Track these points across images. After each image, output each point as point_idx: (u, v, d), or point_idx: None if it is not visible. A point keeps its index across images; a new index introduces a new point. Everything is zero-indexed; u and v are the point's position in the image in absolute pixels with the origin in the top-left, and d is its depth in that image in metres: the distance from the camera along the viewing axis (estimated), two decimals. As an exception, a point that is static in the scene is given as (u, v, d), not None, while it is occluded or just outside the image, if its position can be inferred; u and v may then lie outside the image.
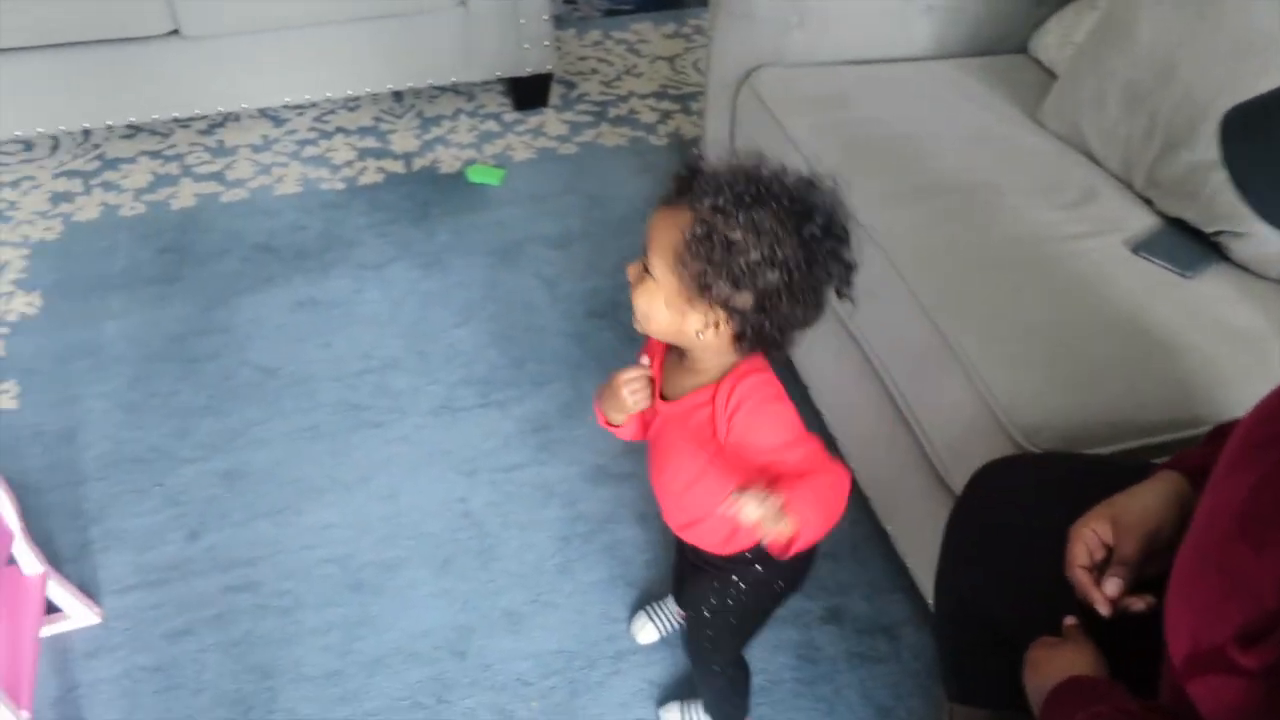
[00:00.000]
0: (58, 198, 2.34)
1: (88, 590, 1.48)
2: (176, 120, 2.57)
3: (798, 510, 0.91)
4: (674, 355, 1.04)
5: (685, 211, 0.91)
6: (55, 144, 2.52)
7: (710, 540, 1.10)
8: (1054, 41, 1.81)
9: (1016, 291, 1.34)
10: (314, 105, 2.65)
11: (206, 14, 2.24)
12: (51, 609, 1.41)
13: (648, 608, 1.48)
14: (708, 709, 1.35)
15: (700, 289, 0.91)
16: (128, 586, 1.51)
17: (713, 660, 1.26)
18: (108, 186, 2.37)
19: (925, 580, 1.41)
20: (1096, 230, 1.44)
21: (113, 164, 2.45)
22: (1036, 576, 0.96)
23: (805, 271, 0.91)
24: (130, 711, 1.36)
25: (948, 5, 1.83)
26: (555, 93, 2.71)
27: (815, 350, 1.65)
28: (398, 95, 2.70)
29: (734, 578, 1.13)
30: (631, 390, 1.04)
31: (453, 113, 2.64)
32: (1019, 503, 1.06)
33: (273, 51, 2.35)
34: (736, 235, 0.89)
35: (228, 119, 2.60)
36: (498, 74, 2.53)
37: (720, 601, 1.15)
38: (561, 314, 2.02)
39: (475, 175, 2.39)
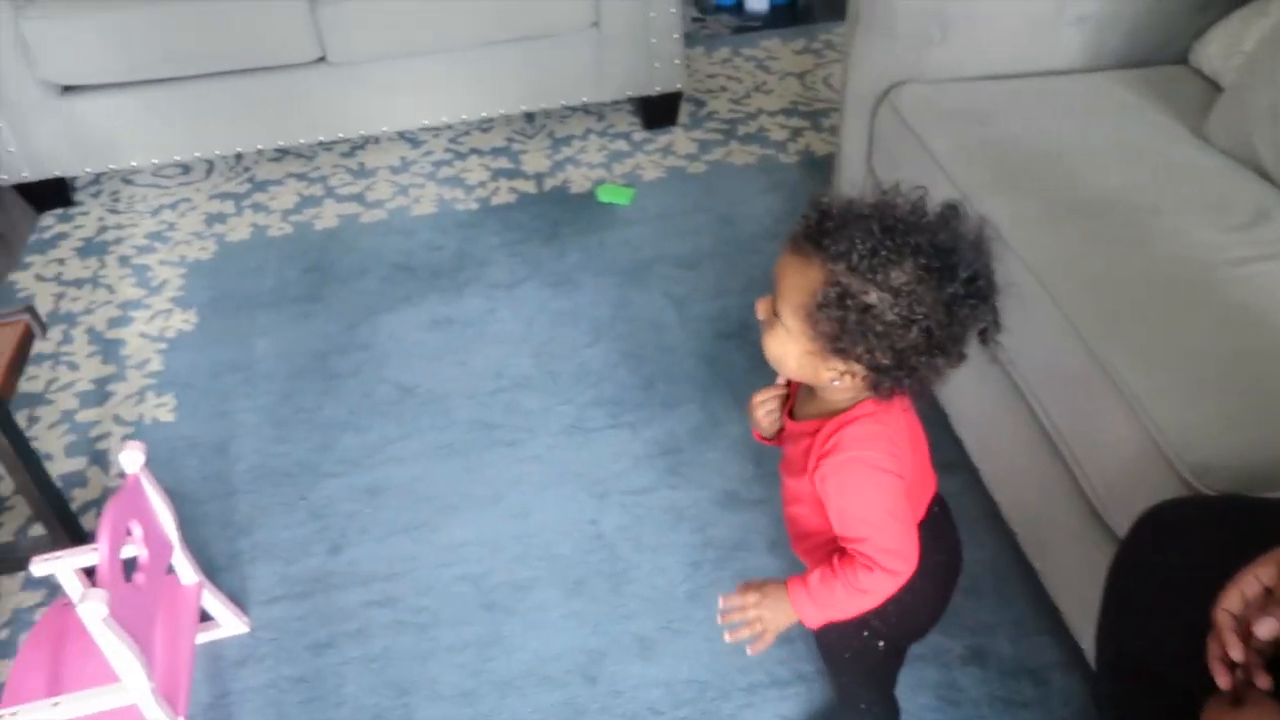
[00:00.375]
0: (212, 219, 2.46)
1: (237, 600, 1.55)
2: (321, 143, 2.67)
3: (807, 601, 0.97)
4: None
5: (816, 267, 0.87)
6: (210, 167, 2.65)
7: (811, 561, 1.07)
8: (1218, 51, 1.70)
9: (1181, 318, 1.25)
10: (449, 127, 2.71)
11: (351, 41, 2.32)
12: (204, 617, 1.47)
13: None
14: None
15: (835, 349, 0.88)
16: (274, 598, 1.56)
17: (859, 699, 1.23)
18: (257, 208, 2.48)
19: (1078, 623, 1.33)
20: (1271, 253, 1.34)
21: (262, 186, 2.56)
22: (1210, 629, 0.89)
23: (946, 326, 0.87)
24: (276, 720, 1.40)
25: (1101, 15, 1.75)
26: (684, 111, 2.71)
27: (956, 374, 1.59)
28: (530, 116, 2.74)
29: None
30: (766, 410, 1.06)
31: (583, 132, 2.67)
32: (1189, 548, 0.99)
33: (412, 76, 2.42)
34: (872, 298, 0.85)
35: (368, 142, 2.69)
36: (628, 93, 2.54)
37: (827, 636, 1.12)
38: (691, 334, 2.01)
39: (605, 194, 2.41)
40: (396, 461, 1.78)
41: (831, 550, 0.99)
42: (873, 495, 0.94)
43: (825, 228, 0.87)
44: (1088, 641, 1.30)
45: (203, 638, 1.49)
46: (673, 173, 2.50)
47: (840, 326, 0.86)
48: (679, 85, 2.56)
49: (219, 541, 1.66)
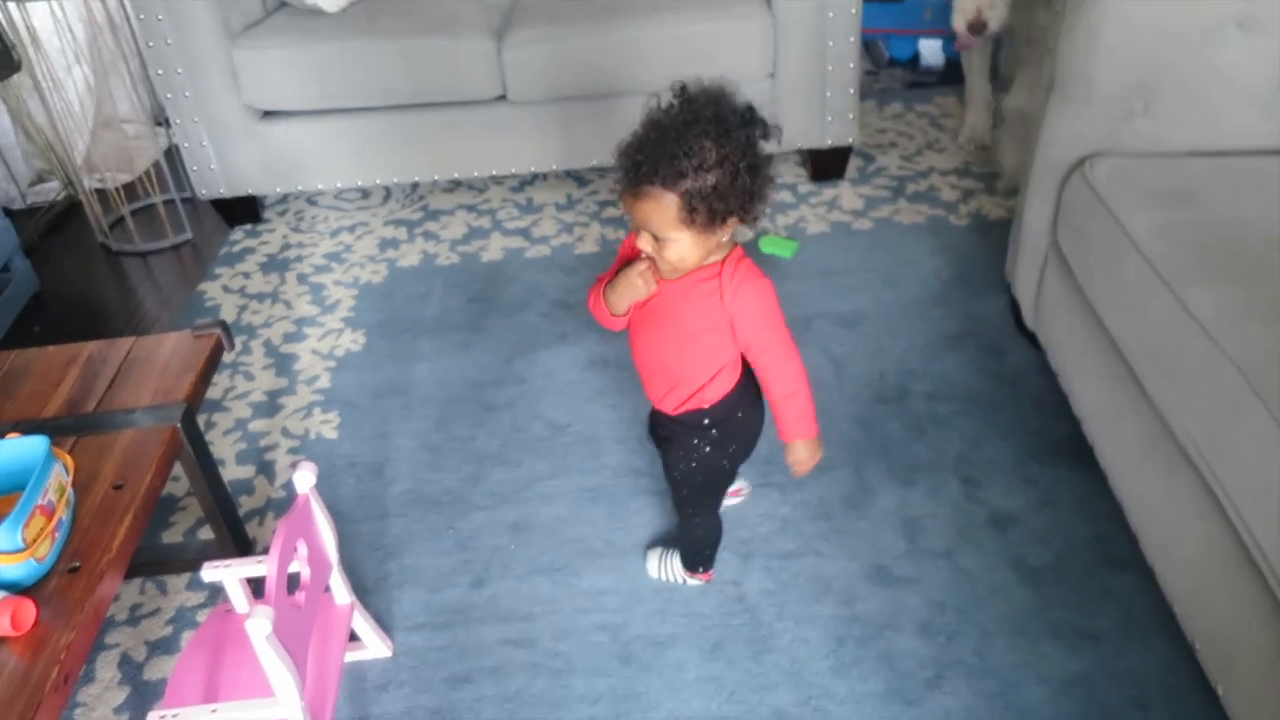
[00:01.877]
0: (385, 244, 2.56)
1: (382, 622, 1.58)
2: (492, 177, 2.75)
3: (801, 424, 1.40)
4: None
5: (663, 194, 1.15)
6: (387, 194, 2.77)
7: (677, 400, 1.38)
8: None
9: None
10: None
11: (531, 82, 2.39)
12: (351, 636, 1.50)
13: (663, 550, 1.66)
14: (684, 559, 1.60)
15: (713, 225, 1.18)
16: (417, 625, 1.59)
17: (694, 515, 1.53)
18: (428, 236, 2.57)
19: (1265, 756, 1.21)
20: None
21: (434, 215, 2.66)
22: None
23: (756, 152, 1.18)
24: (410, 749, 1.42)
25: (1325, 94, 1.62)
26: (852, 165, 2.67)
27: (1140, 467, 1.48)
28: (695, 161, 2.75)
29: (695, 441, 1.42)
30: (646, 279, 1.26)
31: (748, 181, 2.66)
32: None
33: (584, 116, 2.47)
34: (711, 180, 1.14)
35: (537, 178, 2.76)
36: (799, 145, 2.52)
37: (687, 464, 1.45)
38: (848, 397, 1.95)
39: (767, 246, 2.39)
40: (543, 500, 1.79)
41: (700, 390, 1.36)
42: (777, 308, 1.31)
43: (643, 171, 1.14)
44: (1275, 778, 1.18)
45: (348, 657, 1.52)
46: (837, 228, 2.46)
47: (709, 211, 1.16)
48: (850, 140, 2.53)
49: (368, 562, 1.70)
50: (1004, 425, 1.86)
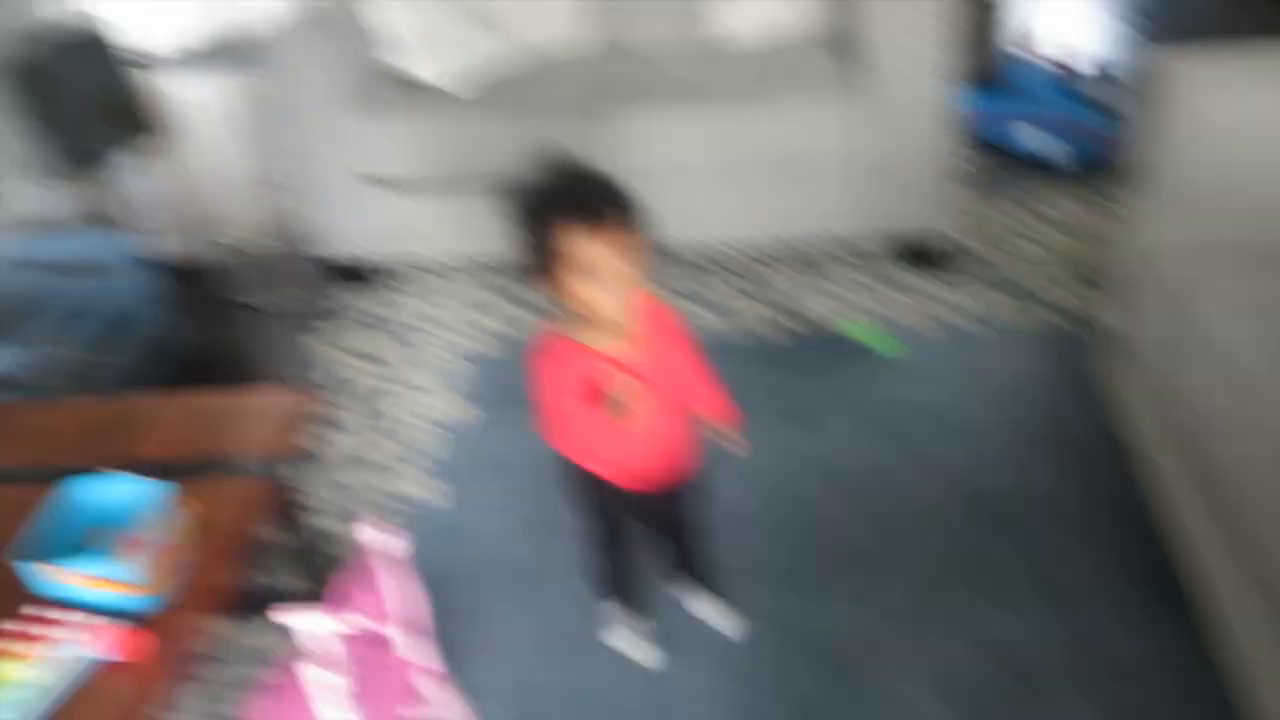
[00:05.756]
0: (498, 317, 2.62)
1: (460, 690, 1.60)
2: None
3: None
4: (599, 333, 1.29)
5: (626, 224, 1.19)
6: (504, 268, 2.82)
7: (688, 450, 1.45)
8: None
9: None
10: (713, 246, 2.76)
11: (647, 150, 2.44)
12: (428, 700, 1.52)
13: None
14: (708, 579, 1.69)
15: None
16: (492, 694, 1.63)
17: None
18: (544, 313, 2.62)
19: None
20: None
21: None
22: None
23: None
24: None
25: None
26: (951, 257, 2.61)
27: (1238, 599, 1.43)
28: (785, 241, 2.76)
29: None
30: (634, 385, 1.27)
31: (838, 263, 2.67)
32: None
33: (677, 192, 2.50)
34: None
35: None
36: (895, 230, 2.53)
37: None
38: (925, 494, 1.93)
39: (854, 331, 2.38)
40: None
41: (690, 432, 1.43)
42: None
43: (616, 207, 1.19)
44: None
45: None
46: (929, 319, 2.43)
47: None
48: (951, 229, 2.52)
49: (452, 629, 1.71)
50: (1091, 537, 1.80)
